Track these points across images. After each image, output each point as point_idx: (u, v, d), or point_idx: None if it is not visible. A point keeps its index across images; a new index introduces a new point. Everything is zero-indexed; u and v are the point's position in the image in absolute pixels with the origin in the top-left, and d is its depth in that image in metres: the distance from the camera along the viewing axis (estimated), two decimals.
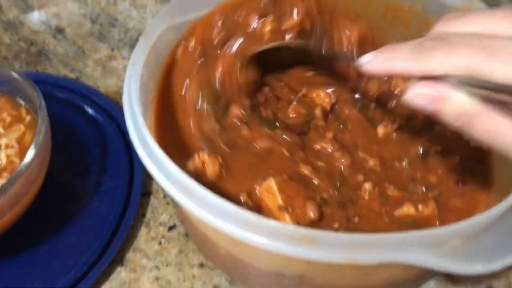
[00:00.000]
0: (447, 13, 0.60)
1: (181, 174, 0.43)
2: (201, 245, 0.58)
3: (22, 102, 0.63)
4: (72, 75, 0.78)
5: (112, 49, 0.82)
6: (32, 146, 0.53)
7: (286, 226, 0.40)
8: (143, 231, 0.60)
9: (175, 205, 0.59)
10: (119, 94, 0.75)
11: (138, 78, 0.52)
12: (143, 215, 0.62)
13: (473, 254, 0.39)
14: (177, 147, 0.55)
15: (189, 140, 0.56)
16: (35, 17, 0.87)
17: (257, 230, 0.40)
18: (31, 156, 0.52)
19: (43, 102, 0.56)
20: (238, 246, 0.48)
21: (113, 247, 0.58)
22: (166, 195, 0.63)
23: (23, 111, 0.62)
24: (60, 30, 0.85)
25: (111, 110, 0.71)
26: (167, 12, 0.59)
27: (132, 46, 0.82)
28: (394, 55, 0.38)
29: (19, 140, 0.59)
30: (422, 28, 0.64)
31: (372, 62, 0.39)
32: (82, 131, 0.69)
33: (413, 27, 0.65)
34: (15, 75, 0.59)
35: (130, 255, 0.58)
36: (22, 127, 0.60)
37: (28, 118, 0.61)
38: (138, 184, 0.63)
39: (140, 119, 0.48)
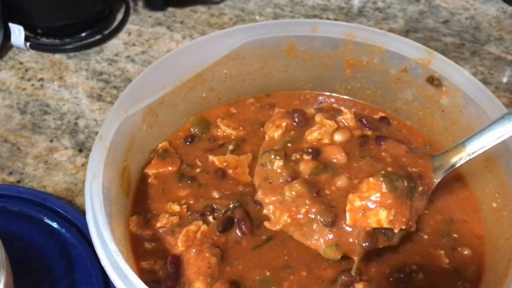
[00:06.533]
0: (407, 65, 0.61)
1: None
2: None
3: None
4: (11, 179, 0.70)
5: (51, 140, 0.75)
6: None
7: None
8: None
9: None
10: (70, 191, 0.69)
11: (100, 192, 0.48)
12: None
13: None
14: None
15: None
16: None
17: None
18: None
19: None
20: None
21: None
22: None
23: None
24: None
25: (67, 214, 0.64)
26: (121, 106, 0.55)
27: (71, 133, 0.76)
28: None
29: None
30: (383, 80, 0.64)
31: None
32: (38, 244, 0.62)
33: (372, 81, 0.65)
34: None
35: None
36: None
37: None
38: None
39: (112, 247, 0.44)
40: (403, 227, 0.48)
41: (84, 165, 0.71)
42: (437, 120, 0.62)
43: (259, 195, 0.51)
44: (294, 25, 0.64)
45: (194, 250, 0.50)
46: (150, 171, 0.60)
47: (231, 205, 0.55)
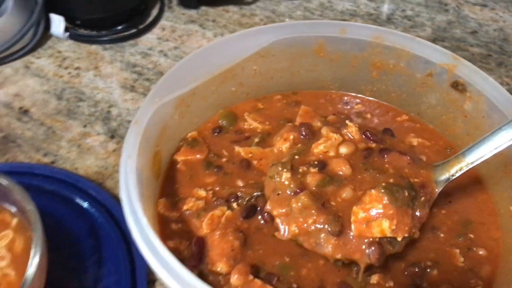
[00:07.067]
0: (432, 70, 0.63)
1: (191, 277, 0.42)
2: None
3: (3, 205, 0.58)
4: (46, 160, 0.74)
5: (85, 126, 0.78)
6: (30, 266, 0.48)
7: None
8: None
9: None
10: (101, 174, 0.72)
11: (134, 171, 0.50)
12: None
13: None
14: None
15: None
16: None
17: None
18: (31, 276, 0.48)
19: (35, 211, 0.52)
20: None
21: None
22: None
23: (7, 215, 0.57)
24: (24, 111, 0.80)
25: (97, 195, 0.67)
26: (156, 94, 0.58)
27: (104, 120, 0.79)
28: None
29: (10, 248, 0.55)
30: (408, 83, 0.66)
31: None
32: (69, 222, 0.65)
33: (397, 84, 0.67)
34: None
35: None
36: (10, 233, 0.56)
37: (14, 221, 0.57)
38: (142, 274, 0.59)
39: (144, 220, 0.46)
40: (406, 235, 0.50)
41: (115, 150, 0.74)
42: (459, 125, 0.63)
43: (268, 207, 0.53)
44: (323, 26, 0.66)
45: (218, 233, 0.53)
46: (179, 157, 0.62)
47: (255, 194, 0.57)
